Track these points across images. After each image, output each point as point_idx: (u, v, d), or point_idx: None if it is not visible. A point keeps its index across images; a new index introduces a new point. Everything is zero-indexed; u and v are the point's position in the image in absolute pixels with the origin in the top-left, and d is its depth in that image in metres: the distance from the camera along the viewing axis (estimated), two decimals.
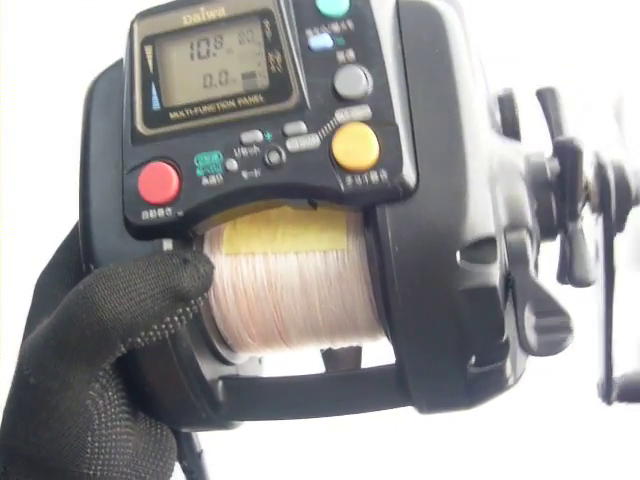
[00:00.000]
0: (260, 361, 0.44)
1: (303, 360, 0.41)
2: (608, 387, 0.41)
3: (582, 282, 0.35)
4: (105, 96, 0.38)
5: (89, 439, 0.34)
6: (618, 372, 0.42)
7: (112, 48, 0.39)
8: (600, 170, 0.37)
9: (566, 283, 0.37)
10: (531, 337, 0.32)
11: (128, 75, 0.36)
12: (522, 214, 0.35)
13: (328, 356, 0.44)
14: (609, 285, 0.39)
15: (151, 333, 0.33)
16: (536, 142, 0.40)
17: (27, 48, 0.95)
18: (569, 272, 0.35)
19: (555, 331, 0.32)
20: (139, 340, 0.33)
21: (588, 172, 0.37)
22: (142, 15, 0.36)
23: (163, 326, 0.33)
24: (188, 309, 0.34)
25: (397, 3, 0.35)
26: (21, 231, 0.92)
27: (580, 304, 0.38)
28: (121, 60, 0.37)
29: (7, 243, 0.92)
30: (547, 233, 0.36)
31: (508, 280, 0.34)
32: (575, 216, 0.36)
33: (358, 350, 0.44)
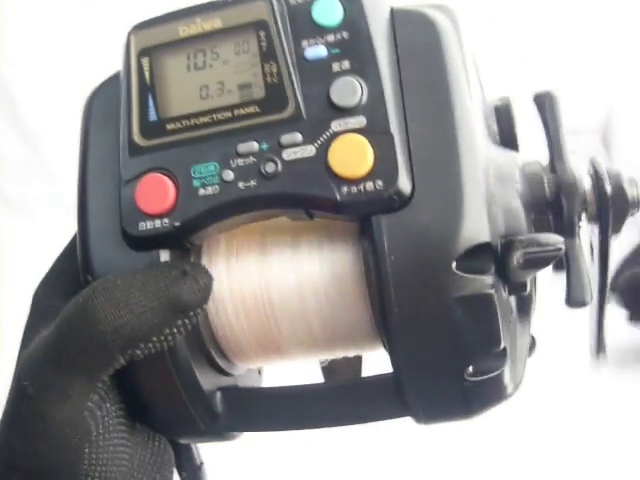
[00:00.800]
0: (260, 372, 0.44)
1: (302, 368, 0.41)
2: (599, 342, 0.40)
3: (577, 303, 0.35)
4: (103, 108, 0.38)
5: (86, 450, 0.34)
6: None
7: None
8: (598, 181, 0.36)
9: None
10: None
11: (125, 87, 0.36)
12: (518, 224, 0.35)
13: (327, 365, 0.44)
14: (602, 289, 0.38)
15: (150, 345, 0.33)
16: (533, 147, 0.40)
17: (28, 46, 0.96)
18: (566, 293, 0.35)
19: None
20: (138, 352, 0.33)
21: (585, 182, 0.36)
22: (139, 27, 0.36)
23: (162, 338, 0.33)
24: (187, 321, 0.34)
25: (392, 12, 0.35)
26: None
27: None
28: (118, 72, 0.38)
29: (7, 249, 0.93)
30: None
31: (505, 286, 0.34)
32: (572, 232, 0.36)
33: (358, 359, 0.44)
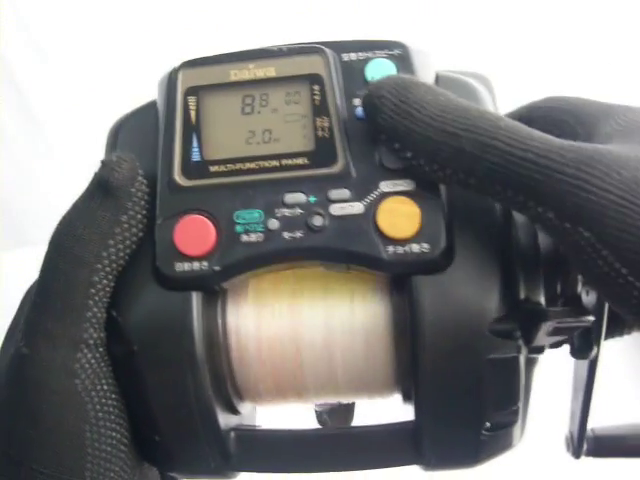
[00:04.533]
0: (255, 408, 0.44)
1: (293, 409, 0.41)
2: (580, 442, 0.43)
3: (582, 355, 0.37)
4: (130, 140, 0.37)
5: (88, 434, 0.34)
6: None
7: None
8: None
9: (557, 348, 0.39)
10: None
11: (167, 123, 0.35)
12: (537, 290, 0.37)
13: (321, 410, 0.45)
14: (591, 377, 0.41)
15: (113, 250, 0.34)
16: None
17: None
18: (571, 344, 0.38)
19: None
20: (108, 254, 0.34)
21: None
22: (187, 64, 0.35)
23: (119, 238, 0.34)
24: (127, 203, 0.35)
25: (437, 77, 0.37)
26: None
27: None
28: (149, 104, 0.37)
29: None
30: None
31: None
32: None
33: (351, 405, 0.45)
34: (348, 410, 0.45)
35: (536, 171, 0.30)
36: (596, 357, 0.40)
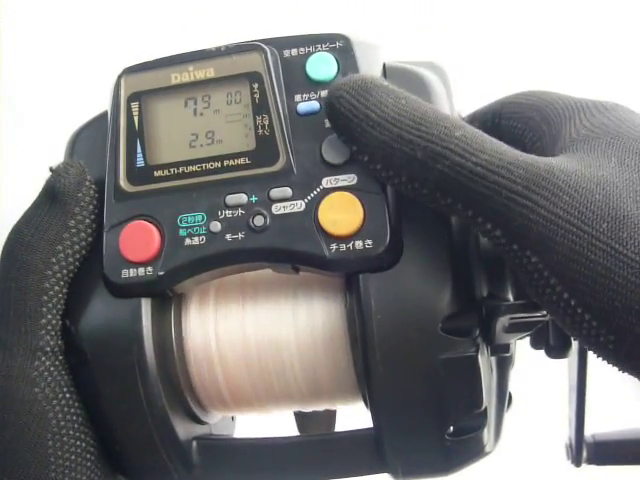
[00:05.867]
0: (233, 418, 0.44)
1: (276, 418, 0.41)
2: (578, 449, 0.41)
3: (558, 354, 0.35)
4: (86, 149, 0.37)
5: (50, 443, 0.33)
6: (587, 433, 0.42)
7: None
8: None
9: (540, 349, 0.37)
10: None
11: (112, 130, 0.35)
12: (501, 286, 0.35)
13: (301, 417, 0.44)
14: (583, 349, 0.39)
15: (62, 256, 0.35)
16: None
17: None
18: (546, 342, 0.36)
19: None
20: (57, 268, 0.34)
21: None
22: (129, 70, 0.35)
23: (67, 243, 0.35)
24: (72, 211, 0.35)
25: (384, 68, 0.36)
26: None
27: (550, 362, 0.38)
28: (105, 113, 0.37)
29: None
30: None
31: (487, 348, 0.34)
32: None
33: (332, 412, 0.43)
34: (329, 416, 0.43)
35: (484, 186, 0.29)
36: (584, 359, 0.38)
